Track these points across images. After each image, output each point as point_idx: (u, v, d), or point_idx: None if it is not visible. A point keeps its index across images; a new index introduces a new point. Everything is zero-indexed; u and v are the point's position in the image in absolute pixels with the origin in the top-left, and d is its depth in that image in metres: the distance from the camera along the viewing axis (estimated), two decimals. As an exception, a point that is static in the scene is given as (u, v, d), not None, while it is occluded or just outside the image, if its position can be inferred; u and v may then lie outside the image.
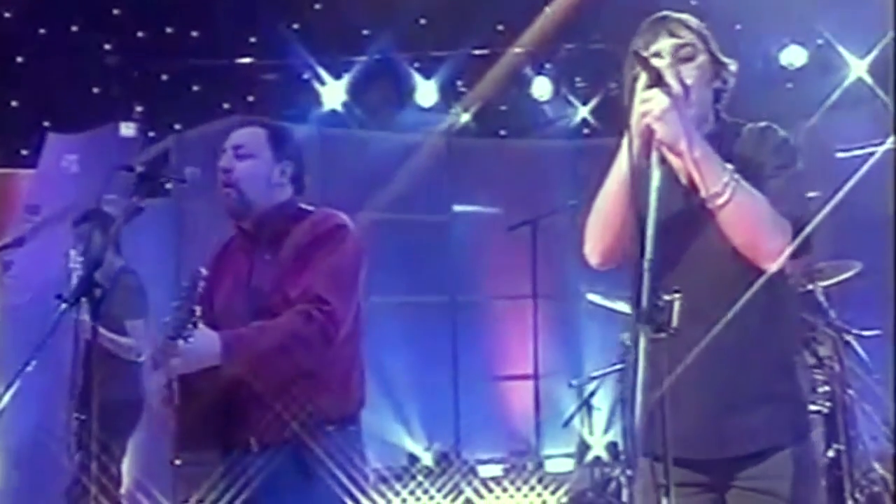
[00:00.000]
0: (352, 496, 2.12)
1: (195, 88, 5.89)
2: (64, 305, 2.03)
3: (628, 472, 1.72)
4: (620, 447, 4.88)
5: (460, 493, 4.79)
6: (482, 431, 5.85)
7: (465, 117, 6.17)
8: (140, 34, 5.70)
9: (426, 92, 5.94)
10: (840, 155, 5.34)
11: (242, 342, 2.06)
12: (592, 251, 1.81)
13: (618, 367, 4.27)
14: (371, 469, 2.31)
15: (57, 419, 3.64)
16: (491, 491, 4.87)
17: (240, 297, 2.19)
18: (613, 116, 6.12)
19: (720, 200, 1.65)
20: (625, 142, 1.65)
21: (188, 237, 4.93)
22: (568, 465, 5.51)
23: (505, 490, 4.85)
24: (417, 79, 5.96)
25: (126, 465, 3.89)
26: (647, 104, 1.64)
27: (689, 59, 1.76)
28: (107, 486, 3.46)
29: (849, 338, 3.53)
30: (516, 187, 6.06)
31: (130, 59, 5.70)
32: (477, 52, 5.85)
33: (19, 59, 5.53)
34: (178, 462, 2.14)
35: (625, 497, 3.43)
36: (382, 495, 4.42)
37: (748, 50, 5.70)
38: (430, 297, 5.90)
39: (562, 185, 6.17)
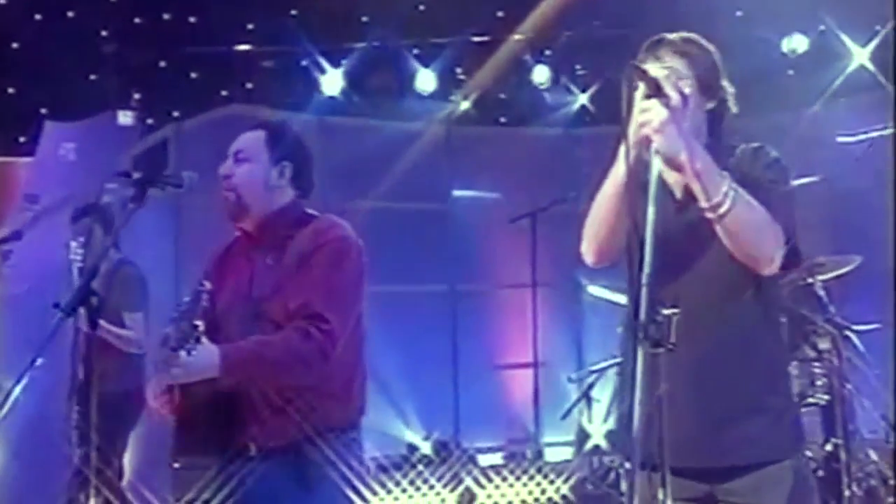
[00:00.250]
0: (351, 502, 2.13)
1: (193, 76, 5.85)
2: (60, 314, 2.01)
3: (626, 464, 1.74)
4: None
5: (460, 482, 4.80)
6: (482, 420, 5.86)
7: (465, 105, 6.15)
8: (137, 21, 5.66)
9: (425, 79, 5.91)
10: (841, 140, 5.35)
11: (241, 357, 2.07)
12: (588, 251, 1.86)
13: (616, 360, 4.28)
14: (370, 473, 2.31)
15: (58, 411, 3.63)
16: (490, 480, 4.88)
17: (241, 302, 2.19)
18: (613, 104, 6.10)
19: (721, 210, 1.67)
20: (622, 150, 1.66)
21: (187, 229, 4.92)
22: (567, 453, 5.52)
23: (504, 479, 4.86)
24: (417, 66, 5.93)
25: (128, 458, 3.89)
26: (646, 115, 1.66)
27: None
28: (109, 478, 3.47)
29: (847, 332, 3.53)
30: (516, 175, 6.05)
31: (128, 47, 5.66)
32: (476, 39, 5.82)
33: (15, 46, 5.49)
34: (176, 465, 2.14)
35: (623, 487, 3.46)
36: (382, 484, 4.42)
37: (750, 37, 5.67)
38: (430, 286, 5.89)
39: (562, 173, 6.16)
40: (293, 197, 2.28)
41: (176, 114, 5.89)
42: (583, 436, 5.28)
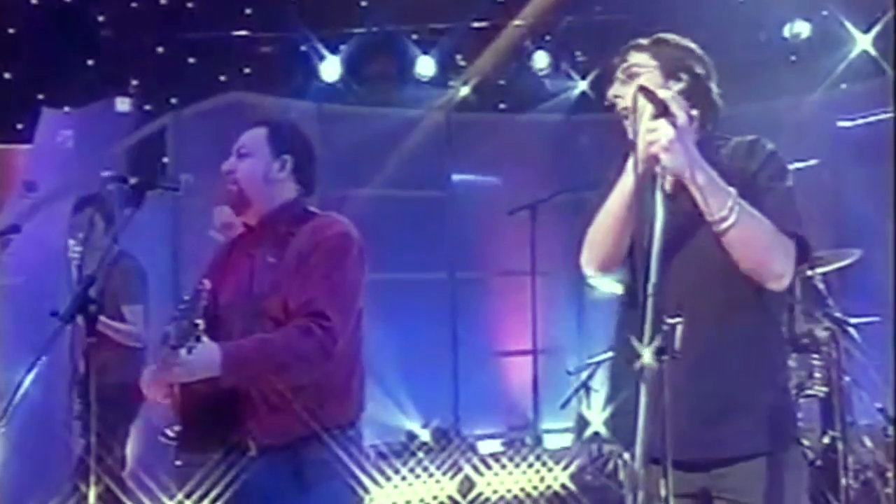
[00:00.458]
0: (350, 500, 2.14)
1: (191, 61, 5.83)
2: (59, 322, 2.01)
3: (625, 455, 1.76)
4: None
5: (459, 470, 4.81)
6: (481, 408, 5.87)
7: (465, 91, 6.12)
8: (134, 6, 5.62)
9: (425, 66, 5.87)
10: (842, 124, 5.34)
11: (242, 355, 2.07)
12: (590, 262, 1.89)
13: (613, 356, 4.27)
14: (370, 461, 2.32)
15: (60, 402, 3.64)
16: (489, 468, 4.89)
17: (241, 299, 2.19)
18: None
19: (725, 224, 1.73)
20: (630, 164, 1.74)
21: (186, 223, 4.89)
22: (567, 440, 5.53)
23: (503, 467, 4.87)
24: (416, 52, 5.89)
25: (130, 448, 3.90)
26: (654, 134, 1.73)
27: (633, 76, 1.85)
28: (111, 467, 3.49)
29: (847, 326, 3.53)
30: (516, 162, 6.02)
31: (125, 32, 5.63)
32: (476, 24, 5.78)
33: (11, 31, 5.46)
34: (178, 463, 2.15)
35: (622, 476, 3.47)
36: (382, 472, 4.43)
37: (752, 22, 5.63)
38: (429, 273, 5.89)
39: (562, 159, 6.14)
40: (296, 193, 2.29)
41: (174, 100, 5.86)
42: (582, 423, 5.29)
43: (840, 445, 3.30)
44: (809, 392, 3.38)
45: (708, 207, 1.72)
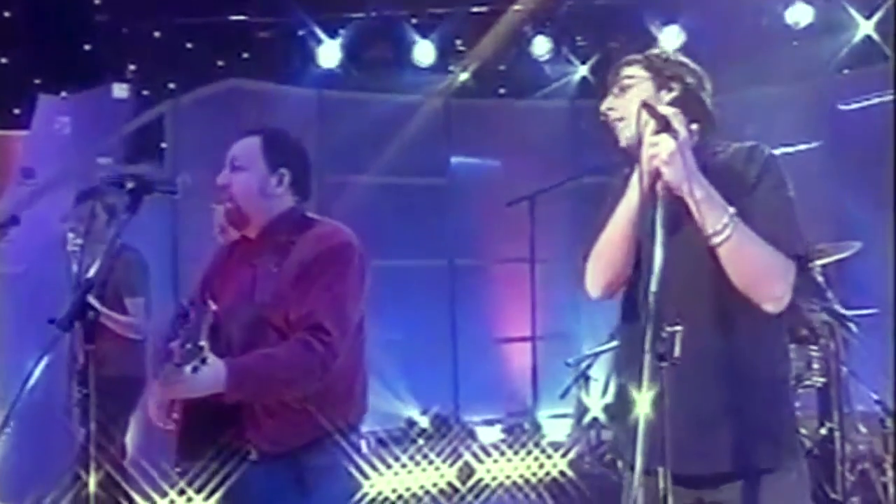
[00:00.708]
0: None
1: (189, 46, 5.79)
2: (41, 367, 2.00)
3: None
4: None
5: (459, 457, 4.82)
6: (480, 394, 5.88)
7: (464, 76, 6.08)
8: (131, -10, 5.58)
9: (424, 51, 5.83)
10: (843, 108, 5.31)
11: (246, 373, 2.07)
12: (594, 286, 1.92)
13: (612, 344, 4.30)
14: (371, 447, 2.33)
15: (62, 390, 3.64)
16: (489, 455, 4.90)
17: (242, 308, 2.18)
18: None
19: (719, 238, 1.76)
20: (634, 179, 1.79)
21: (186, 210, 4.87)
22: (566, 426, 5.54)
23: (503, 454, 4.88)
24: (415, 37, 5.85)
25: (130, 437, 3.91)
26: (655, 148, 1.77)
27: (626, 88, 1.91)
28: (112, 455, 3.50)
29: (845, 319, 3.53)
30: (516, 148, 5.99)
31: (122, 16, 5.59)
32: (476, 9, 5.73)
33: (7, 15, 5.42)
34: (178, 470, 2.15)
35: (620, 464, 3.49)
36: (381, 459, 4.44)
37: (754, 8, 5.59)
38: (429, 260, 5.87)
39: (562, 145, 6.11)
40: (293, 202, 2.27)
41: (172, 86, 5.83)
42: (581, 409, 5.30)
43: (837, 437, 3.30)
44: (807, 383, 3.38)
45: (703, 222, 1.75)
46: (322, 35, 5.74)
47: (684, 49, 5.87)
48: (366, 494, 2.23)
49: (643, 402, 1.52)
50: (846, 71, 5.71)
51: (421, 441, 5.11)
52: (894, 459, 3.43)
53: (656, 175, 1.75)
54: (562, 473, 4.38)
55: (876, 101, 4.99)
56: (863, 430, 3.63)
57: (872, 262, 4.01)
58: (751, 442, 1.78)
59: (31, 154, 5.35)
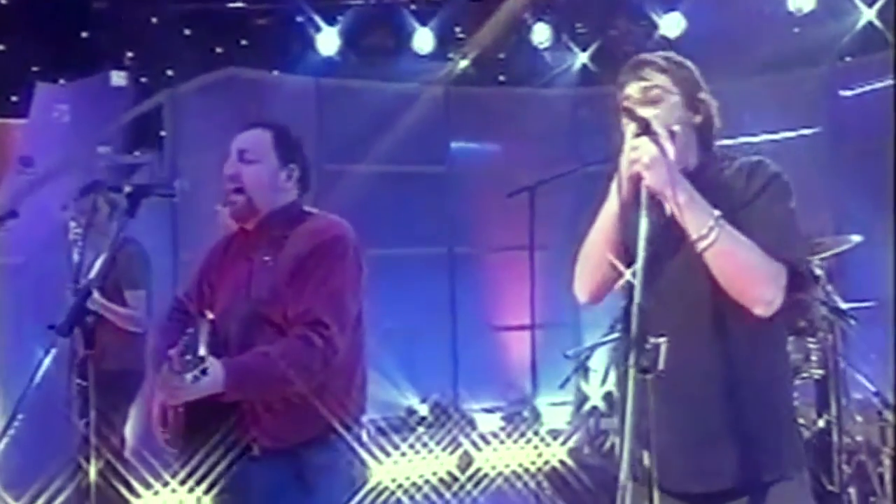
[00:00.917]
0: (349, 500, 2.16)
1: (187, 33, 5.76)
2: (48, 360, 2.01)
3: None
4: (616, 397, 4.92)
5: (458, 445, 4.84)
6: (480, 382, 5.89)
7: (464, 64, 6.05)
8: (128, -24, 5.55)
9: (423, 38, 5.80)
10: (844, 94, 5.29)
11: (245, 373, 2.08)
12: (581, 290, 1.90)
13: (612, 336, 4.31)
14: (370, 435, 2.34)
15: (62, 382, 3.65)
16: (488, 443, 4.92)
17: (239, 302, 2.19)
18: (614, 63, 6.00)
19: (704, 243, 1.72)
20: (614, 184, 1.74)
21: (186, 198, 4.84)
22: (565, 413, 5.56)
23: (502, 443, 4.90)
24: (414, 24, 5.81)
25: (130, 428, 3.92)
26: (636, 152, 1.71)
27: (657, 101, 1.81)
28: (114, 447, 3.52)
29: (844, 313, 3.53)
30: (515, 136, 5.97)
31: (119, 3, 5.55)
32: (476, -4, 5.70)
33: (4, 2, 5.39)
34: (177, 464, 2.17)
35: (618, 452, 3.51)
36: (381, 448, 4.46)
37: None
38: (428, 248, 5.87)
39: (562, 133, 6.09)
40: (295, 196, 2.29)
41: (170, 72, 5.80)
42: (581, 397, 5.31)
43: (835, 430, 3.31)
44: (805, 375, 3.38)
45: (687, 226, 1.72)
46: (320, 22, 5.71)
47: (685, 36, 5.86)
48: (365, 479, 2.24)
49: (627, 416, 1.50)
50: (848, 58, 5.69)
51: (420, 429, 5.13)
52: (895, 452, 3.44)
53: (638, 179, 1.70)
54: (561, 462, 4.39)
55: (878, 86, 4.97)
56: (859, 419, 3.64)
57: (873, 254, 4.00)
58: (755, 457, 1.76)
59: (30, 143, 5.33)
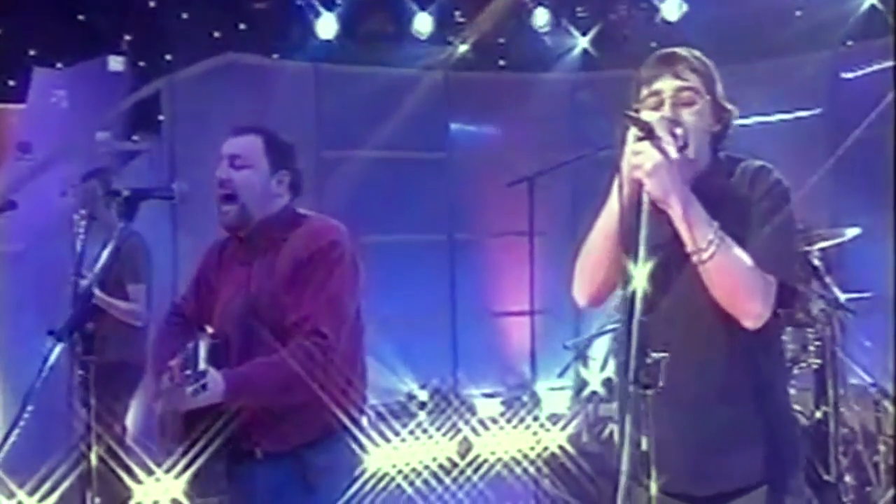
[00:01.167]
0: (349, 500, 2.18)
1: (184, 17, 5.72)
2: (56, 353, 2.01)
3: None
4: (615, 383, 4.94)
5: (458, 431, 4.86)
6: (480, 368, 5.91)
7: (464, 48, 6.01)
8: (126, -42, 5.50)
9: (423, 22, 5.76)
10: (845, 76, 5.26)
11: (245, 384, 2.10)
12: (580, 293, 1.87)
13: (611, 327, 4.32)
14: (370, 421, 2.37)
15: (65, 370, 3.66)
16: (488, 429, 4.94)
17: (239, 308, 2.20)
18: (615, 47, 5.96)
19: (703, 256, 1.69)
20: (615, 187, 1.69)
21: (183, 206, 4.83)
22: (565, 398, 5.58)
23: (501, 428, 4.93)
24: (414, 8, 5.77)
25: (131, 418, 3.94)
26: (639, 157, 1.66)
27: (690, 103, 1.76)
28: (116, 434, 3.54)
29: (842, 306, 3.53)
30: (516, 121, 5.95)
31: (117, -14, 5.52)
32: (475, -20, 5.66)
33: (0, -14, 5.34)
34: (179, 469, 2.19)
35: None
36: (381, 434, 4.48)
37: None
38: (428, 235, 5.86)
39: (562, 118, 6.06)
40: (288, 200, 2.29)
41: (168, 56, 5.77)
42: (580, 382, 5.33)
43: (831, 420, 3.33)
44: (803, 364, 3.40)
45: (688, 238, 1.68)
46: (319, 7, 5.67)
47: (686, 19, 5.82)
48: (365, 470, 2.26)
49: (628, 428, 1.49)
50: (850, 42, 5.65)
51: (421, 415, 5.15)
52: (895, 441, 3.46)
53: (639, 184, 1.65)
54: (561, 448, 4.42)
55: (878, 67, 4.94)
56: (856, 407, 3.65)
57: (872, 244, 4.00)
58: (755, 459, 1.77)
59: (28, 128, 5.31)
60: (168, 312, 2.42)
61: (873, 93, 4.92)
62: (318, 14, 5.67)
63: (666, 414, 1.54)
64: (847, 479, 3.33)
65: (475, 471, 4.50)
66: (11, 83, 5.63)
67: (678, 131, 1.70)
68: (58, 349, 1.98)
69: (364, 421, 2.28)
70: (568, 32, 6.02)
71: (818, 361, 3.39)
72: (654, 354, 1.50)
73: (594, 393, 5.09)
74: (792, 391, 3.01)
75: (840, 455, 3.33)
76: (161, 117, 5.43)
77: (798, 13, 5.69)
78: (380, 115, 5.51)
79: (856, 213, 4.28)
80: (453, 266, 5.99)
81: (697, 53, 1.82)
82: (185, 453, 2.16)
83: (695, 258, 1.69)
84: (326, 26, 5.68)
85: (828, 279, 3.50)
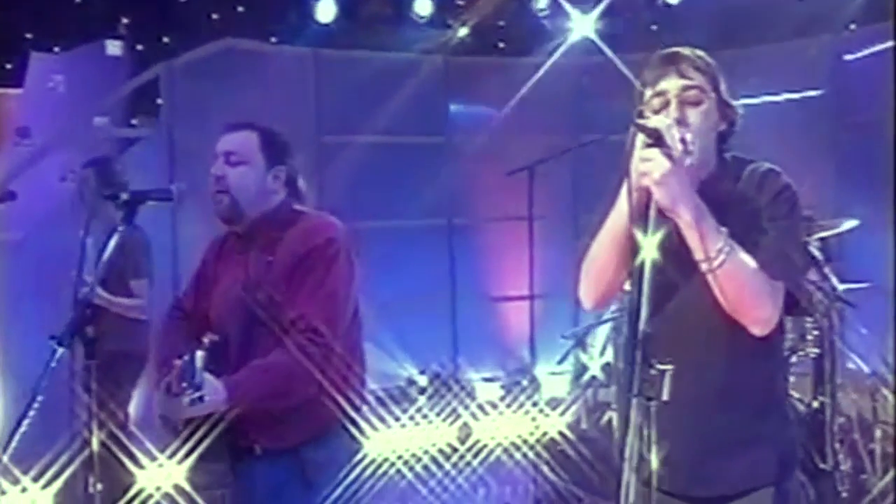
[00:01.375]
0: (349, 498, 2.19)
1: (182, 0, 5.69)
2: (61, 350, 2.02)
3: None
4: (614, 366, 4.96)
5: (457, 416, 4.89)
6: (479, 353, 5.92)
7: (463, 32, 5.97)
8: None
9: (422, 5, 5.72)
10: (847, 58, 5.23)
11: (244, 391, 2.10)
12: (586, 296, 1.86)
13: (610, 318, 4.33)
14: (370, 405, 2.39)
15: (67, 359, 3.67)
16: (487, 414, 4.96)
17: (237, 303, 2.20)
18: (616, 31, 5.92)
19: (713, 265, 1.67)
20: (623, 190, 1.66)
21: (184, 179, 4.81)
22: (565, 382, 5.60)
23: (501, 413, 4.95)
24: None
25: (133, 408, 3.96)
26: (647, 165, 1.64)
27: (696, 103, 1.74)
28: (119, 421, 3.56)
29: (840, 299, 3.54)
30: (515, 105, 5.91)
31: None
32: (475, -38, 5.61)
33: (-3, -30, 5.30)
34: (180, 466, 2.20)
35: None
36: (380, 419, 4.50)
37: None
38: (427, 219, 5.86)
39: (563, 103, 6.04)
40: (284, 196, 2.28)
41: (166, 40, 5.74)
42: (580, 367, 5.35)
43: (828, 409, 3.35)
44: (801, 353, 3.41)
45: (697, 246, 1.67)
46: (317, -10, 5.63)
47: (687, 2, 5.77)
48: (365, 455, 2.27)
49: (630, 439, 1.49)
50: (853, 26, 5.61)
51: (420, 400, 5.17)
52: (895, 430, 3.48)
53: (648, 191, 1.63)
54: (560, 434, 4.44)
55: (880, 48, 4.92)
56: (853, 395, 3.67)
57: (873, 234, 4.00)
58: (756, 463, 1.78)
59: (26, 113, 5.29)
60: (170, 307, 2.43)
61: (875, 75, 4.91)
62: (316, -3, 5.63)
63: (668, 416, 1.54)
64: (843, 467, 3.36)
65: (475, 456, 4.53)
66: (8, 67, 5.61)
67: (688, 137, 1.68)
68: (59, 352, 1.98)
69: (364, 409, 2.29)
70: (568, 16, 5.98)
71: (816, 350, 3.40)
72: (659, 366, 1.49)
73: (594, 378, 5.11)
74: (791, 378, 3.03)
75: (836, 443, 3.35)
76: (160, 101, 5.42)
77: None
78: (379, 100, 5.49)
79: (854, 205, 4.27)
80: (453, 250, 5.98)
81: (700, 53, 1.80)
82: (187, 439, 2.18)
83: (704, 266, 1.68)
84: (325, 10, 5.65)
85: (826, 269, 3.51)
